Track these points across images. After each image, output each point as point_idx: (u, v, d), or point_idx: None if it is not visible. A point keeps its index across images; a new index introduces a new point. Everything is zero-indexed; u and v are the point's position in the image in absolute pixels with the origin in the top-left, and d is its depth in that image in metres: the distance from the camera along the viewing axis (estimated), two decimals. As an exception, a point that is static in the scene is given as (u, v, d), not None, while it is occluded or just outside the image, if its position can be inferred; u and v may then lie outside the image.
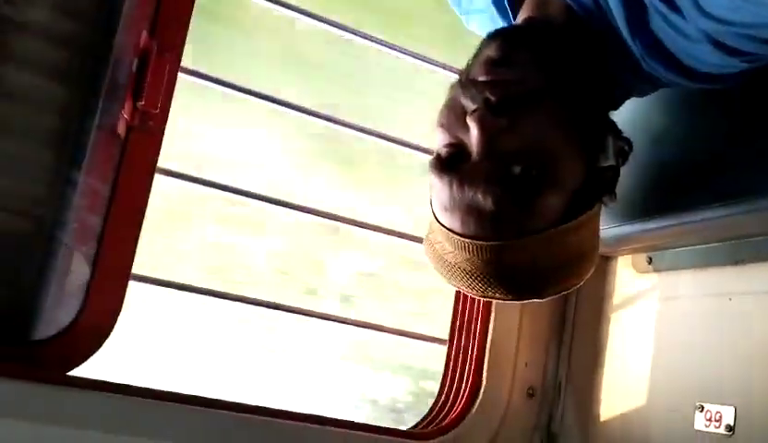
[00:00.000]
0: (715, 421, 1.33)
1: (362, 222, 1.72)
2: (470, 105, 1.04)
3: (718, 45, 1.06)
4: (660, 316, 1.51)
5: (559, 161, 1.06)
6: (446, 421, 1.57)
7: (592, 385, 1.62)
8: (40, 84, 1.38)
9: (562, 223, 1.07)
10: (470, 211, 1.04)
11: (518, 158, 1.03)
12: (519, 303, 1.63)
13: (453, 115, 1.08)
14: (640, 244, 1.55)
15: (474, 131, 1.03)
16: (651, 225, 1.40)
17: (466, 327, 1.65)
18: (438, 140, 1.10)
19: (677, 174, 1.37)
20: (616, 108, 1.28)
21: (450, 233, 1.07)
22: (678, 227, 1.38)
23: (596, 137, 1.14)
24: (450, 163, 1.07)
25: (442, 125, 1.10)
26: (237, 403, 1.43)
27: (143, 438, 1.31)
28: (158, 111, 1.38)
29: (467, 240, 1.05)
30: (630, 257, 1.61)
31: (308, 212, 1.64)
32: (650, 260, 1.56)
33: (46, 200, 1.37)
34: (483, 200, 1.03)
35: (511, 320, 1.65)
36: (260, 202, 1.60)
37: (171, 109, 1.45)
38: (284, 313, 1.60)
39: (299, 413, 1.48)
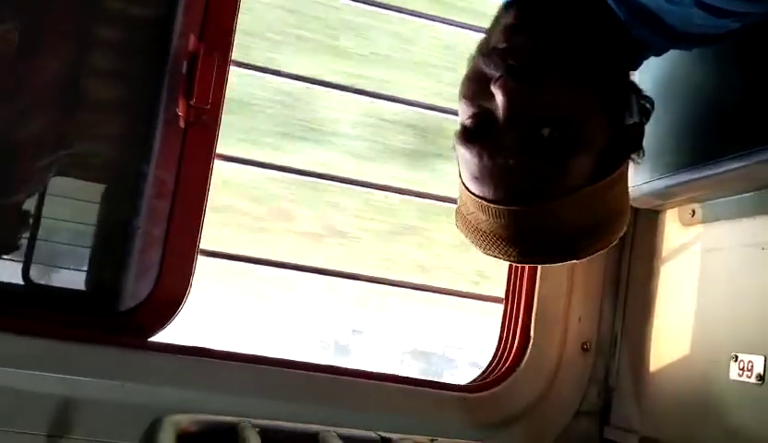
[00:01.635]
0: (747, 370, 1.33)
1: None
2: (493, 73, 1.05)
3: (705, 8, 1.06)
4: (702, 267, 1.50)
5: (586, 122, 1.07)
6: (497, 375, 1.65)
7: (644, 338, 1.64)
8: (111, 90, 1.58)
9: (594, 183, 1.08)
10: (502, 178, 1.06)
11: (545, 121, 1.04)
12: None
13: (476, 85, 1.09)
14: (684, 196, 1.54)
15: (499, 98, 1.04)
16: (692, 176, 1.40)
17: (519, 285, 1.71)
18: (462, 112, 1.12)
19: (714, 124, 1.36)
20: (634, 68, 1.29)
21: (483, 201, 1.09)
22: (718, 177, 1.37)
23: (619, 95, 1.14)
24: (477, 133, 1.08)
25: (465, 97, 1.11)
26: (301, 362, 1.59)
27: (214, 394, 1.50)
28: (209, 106, 1.54)
29: (501, 207, 1.07)
30: (676, 210, 1.60)
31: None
32: (693, 213, 1.55)
33: (122, 191, 1.58)
34: (514, 166, 1.04)
35: (560, 277, 1.69)
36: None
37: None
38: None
39: (360, 371, 1.61)
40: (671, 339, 1.57)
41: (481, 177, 1.07)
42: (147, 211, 1.58)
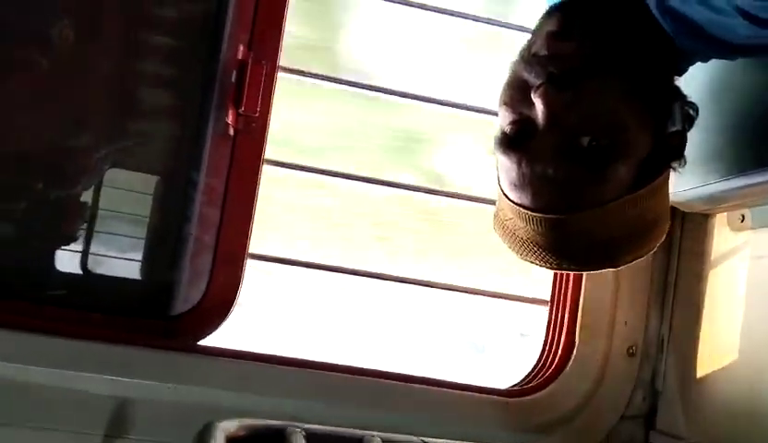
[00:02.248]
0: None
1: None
2: (534, 81, 1.05)
3: (750, 18, 1.04)
4: (750, 274, 1.48)
5: (626, 130, 1.07)
6: (540, 380, 1.66)
7: (691, 343, 1.63)
8: (163, 99, 1.63)
9: (633, 191, 1.07)
10: (540, 186, 1.06)
11: (584, 129, 1.04)
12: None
13: (517, 92, 1.09)
14: (734, 201, 1.52)
15: (539, 106, 1.04)
16: (743, 182, 1.38)
17: (564, 289, 1.71)
18: (502, 118, 1.12)
19: (765, 130, 1.35)
20: (680, 74, 1.28)
21: (521, 208, 1.09)
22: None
23: (662, 103, 1.13)
24: (517, 140, 1.08)
25: (506, 103, 1.11)
26: (345, 365, 1.62)
27: (261, 396, 1.54)
28: (257, 114, 1.57)
29: (539, 215, 1.07)
30: (725, 214, 1.58)
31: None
32: (742, 218, 1.53)
33: (174, 198, 1.62)
34: (553, 174, 1.04)
35: (606, 281, 1.68)
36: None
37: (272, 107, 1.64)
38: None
39: (403, 374, 1.64)
40: (719, 344, 1.55)
41: (519, 185, 1.08)
42: (198, 218, 1.62)
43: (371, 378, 1.61)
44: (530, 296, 1.82)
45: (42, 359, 1.50)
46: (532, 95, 1.04)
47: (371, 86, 1.82)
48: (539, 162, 1.05)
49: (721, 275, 1.59)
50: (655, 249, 1.18)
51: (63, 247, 1.65)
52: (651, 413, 1.71)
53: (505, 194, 1.12)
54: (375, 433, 1.39)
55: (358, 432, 1.40)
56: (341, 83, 1.76)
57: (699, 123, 1.51)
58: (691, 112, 1.19)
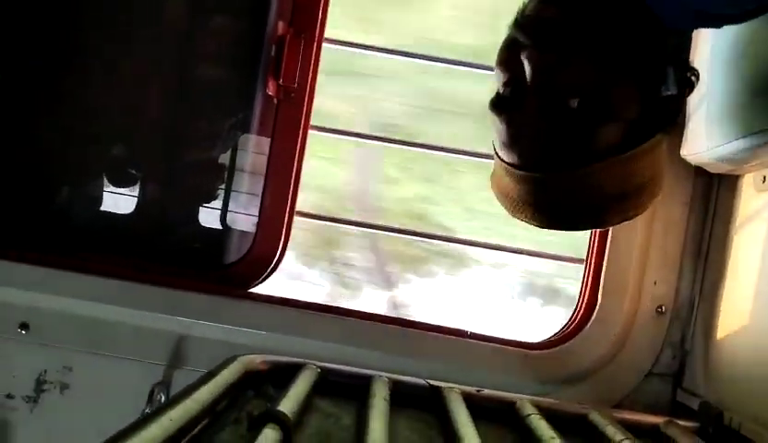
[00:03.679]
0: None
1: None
2: (524, 42, 1.10)
3: None
4: (768, 234, 1.46)
5: (613, 93, 1.09)
6: (563, 334, 1.71)
7: (717, 304, 1.61)
8: (218, 73, 1.82)
9: (620, 153, 1.10)
10: (528, 146, 1.12)
11: (572, 91, 1.07)
12: (640, 225, 1.69)
13: (511, 54, 1.13)
14: (756, 161, 1.49)
15: (527, 67, 1.09)
16: (762, 140, 1.37)
17: (593, 249, 1.74)
18: (497, 79, 1.16)
19: None
20: (683, 37, 1.27)
21: (511, 167, 1.15)
22: None
23: (653, 67, 1.13)
24: (509, 101, 1.13)
25: (500, 64, 1.15)
26: (373, 313, 1.76)
27: (297, 337, 1.72)
28: (296, 85, 1.72)
29: (526, 173, 1.12)
30: (752, 175, 1.55)
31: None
32: (764, 178, 1.49)
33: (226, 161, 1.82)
34: (540, 134, 1.09)
35: (631, 242, 1.69)
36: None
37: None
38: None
39: (432, 324, 1.75)
40: (740, 307, 1.54)
41: (509, 144, 1.13)
42: (248, 179, 1.81)
43: (398, 327, 1.74)
44: (568, 255, 1.86)
45: (118, 300, 1.76)
46: (521, 56, 1.09)
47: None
48: (527, 123, 1.10)
49: (746, 236, 1.56)
50: (646, 210, 1.19)
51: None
52: (679, 372, 1.72)
53: (497, 154, 1.18)
54: (383, 373, 1.52)
55: (370, 372, 1.53)
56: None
57: (721, 81, 1.51)
58: (692, 77, 1.18)
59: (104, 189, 1.92)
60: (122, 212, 1.90)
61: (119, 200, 1.90)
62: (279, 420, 1.08)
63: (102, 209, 1.92)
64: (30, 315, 1.74)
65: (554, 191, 1.12)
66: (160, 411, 1.04)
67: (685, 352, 1.72)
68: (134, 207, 1.88)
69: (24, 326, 1.74)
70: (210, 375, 1.34)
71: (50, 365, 1.75)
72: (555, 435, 1.26)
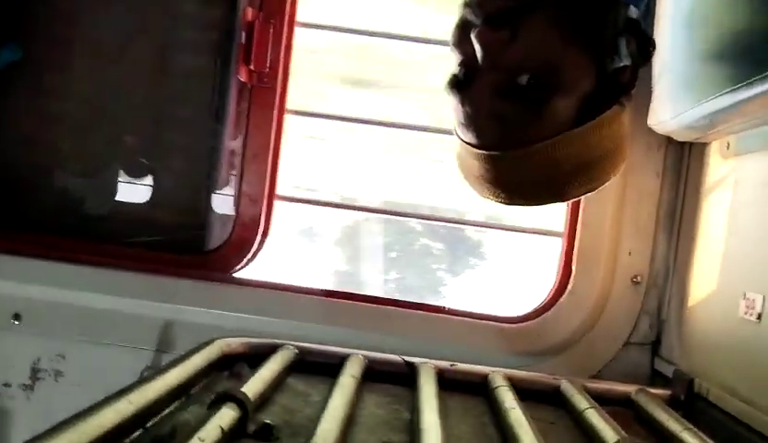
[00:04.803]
0: (751, 308, 1.32)
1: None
2: (473, 21, 1.10)
3: None
4: (735, 200, 1.46)
5: (565, 67, 1.09)
6: (538, 308, 1.73)
7: (689, 272, 1.63)
8: (192, 61, 1.85)
9: (575, 127, 1.10)
10: (483, 124, 1.12)
11: (522, 67, 1.07)
12: (612, 196, 1.70)
13: (462, 34, 1.12)
14: (718, 127, 1.48)
15: (477, 47, 1.09)
16: (723, 102, 1.35)
17: (568, 222, 1.75)
18: (453, 60, 1.16)
19: (744, 48, 1.33)
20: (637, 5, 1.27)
21: (468, 146, 1.16)
22: (744, 104, 1.33)
23: (604, 39, 1.12)
24: (463, 81, 1.13)
25: (454, 45, 1.15)
26: (356, 294, 1.79)
27: (280, 319, 1.76)
28: (267, 69, 1.75)
29: (483, 152, 1.13)
30: (718, 142, 1.55)
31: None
32: (728, 145, 1.50)
33: (205, 150, 1.85)
34: (493, 112, 1.10)
35: (602, 214, 1.70)
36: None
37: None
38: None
39: (410, 302, 1.79)
40: (710, 274, 1.55)
41: (465, 124, 1.13)
42: (226, 166, 1.84)
43: (374, 305, 1.78)
44: (545, 229, 1.87)
45: (108, 289, 1.82)
46: (471, 35, 1.09)
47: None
48: (480, 102, 1.11)
49: (713, 203, 1.57)
50: (607, 182, 1.19)
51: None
52: (657, 341, 1.73)
53: (457, 133, 1.19)
54: (359, 351, 1.55)
55: (346, 350, 1.56)
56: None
57: (679, 48, 1.51)
58: (648, 48, 1.17)
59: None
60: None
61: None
62: (237, 399, 1.12)
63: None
64: (23, 306, 1.81)
65: (512, 168, 1.13)
66: (120, 393, 1.08)
67: (662, 321, 1.73)
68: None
69: (17, 316, 1.80)
70: (183, 357, 1.39)
71: (44, 354, 1.81)
72: (516, 405, 1.29)
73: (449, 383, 1.49)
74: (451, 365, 1.56)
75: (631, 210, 1.72)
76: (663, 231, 1.73)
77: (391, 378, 1.53)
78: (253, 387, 1.25)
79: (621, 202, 1.71)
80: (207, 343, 1.50)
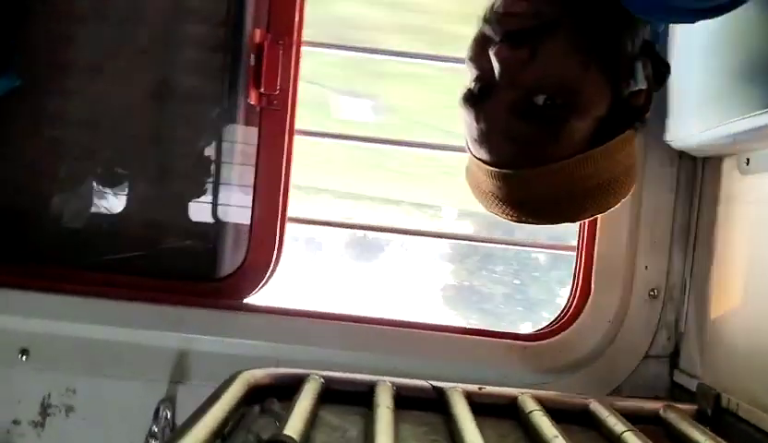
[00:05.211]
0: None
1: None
2: (492, 37, 1.10)
3: None
4: (755, 216, 1.48)
5: (582, 89, 1.09)
6: (559, 324, 1.73)
7: (708, 285, 1.64)
8: (196, 82, 1.81)
9: (589, 150, 1.10)
10: (497, 142, 1.12)
11: (539, 88, 1.07)
12: (628, 212, 1.71)
13: (480, 49, 1.12)
14: (739, 145, 1.50)
15: (495, 63, 1.09)
16: (746, 125, 1.37)
17: (583, 238, 1.76)
18: (468, 75, 1.16)
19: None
20: (655, 28, 1.27)
21: (481, 162, 1.16)
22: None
23: (621, 62, 1.13)
24: (478, 97, 1.13)
25: (471, 59, 1.15)
26: (371, 317, 1.78)
27: (297, 345, 1.73)
28: (278, 92, 1.72)
29: (495, 169, 1.13)
30: (735, 158, 1.57)
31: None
32: (747, 161, 1.51)
33: (212, 174, 1.82)
34: (508, 131, 1.10)
35: (619, 230, 1.71)
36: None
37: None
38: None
39: (424, 323, 1.78)
40: (731, 288, 1.56)
41: (479, 140, 1.13)
42: (236, 187, 1.81)
43: (395, 328, 1.76)
44: (559, 244, 1.88)
45: (117, 320, 1.77)
46: (489, 52, 1.08)
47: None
48: (495, 119, 1.10)
49: (733, 219, 1.58)
50: (616, 206, 1.18)
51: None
52: (675, 353, 1.75)
53: (469, 148, 1.19)
54: (387, 378, 1.54)
55: (373, 378, 1.55)
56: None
57: (702, 66, 1.52)
58: (663, 69, 1.18)
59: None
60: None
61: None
62: (287, 446, 1.10)
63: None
64: (30, 340, 1.75)
65: (524, 187, 1.13)
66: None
67: (679, 333, 1.75)
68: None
69: (24, 352, 1.74)
70: (216, 396, 1.36)
71: (53, 389, 1.76)
72: (557, 433, 1.29)
73: (478, 407, 1.49)
74: (480, 389, 1.55)
75: (647, 226, 1.73)
76: (678, 245, 1.74)
77: (420, 405, 1.52)
78: (294, 426, 1.22)
79: (637, 218, 1.72)
80: (232, 378, 1.47)
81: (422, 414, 1.48)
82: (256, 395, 1.49)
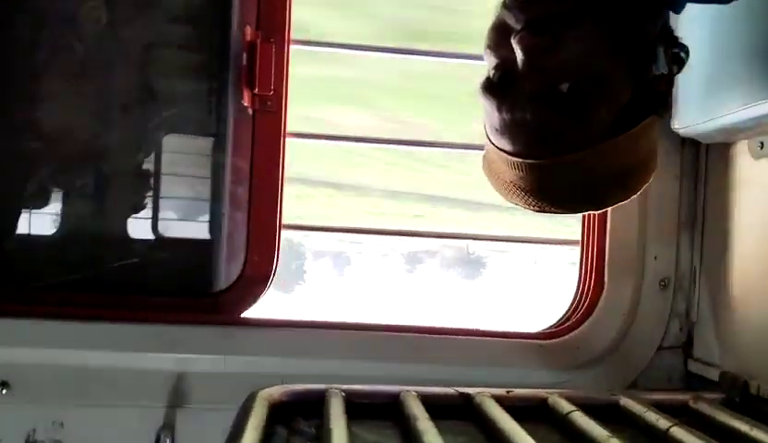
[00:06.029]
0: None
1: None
2: (514, 25, 1.06)
3: None
4: (769, 200, 1.48)
5: (605, 76, 1.06)
6: (574, 321, 1.70)
7: (722, 272, 1.63)
8: (184, 85, 1.70)
9: (612, 136, 1.07)
10: (519, 131, 1.08)
11: (563, 75, 1.05)
12: (636, 203, 1.69)
13: (500, 37, 1.09)
14: (753, 130, 1.50)
15: (518, 52, 1.05)
16: (761, 110, 1.37)
17: (591, 231, 1.73)
18: (487, 63, 1.12)
19: None
20: (677, 11, 1.25)
21: (502, 152, 1.12)
22: None
23: (644, 48, 1.10)
24: (499, 85, 1.09)
25: (490, 47, 1.12)
26: (380, 324, 1.71)
27: (304, 359, 1.64)
28: (272, 92, 1.63)
29: (518, 159, 1.09)
30: (746, 142, 1.56)
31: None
32: (761, 145, 1.51)
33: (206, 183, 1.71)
34: (531, 119, 1.06)
35: (630, 221, 1.69)
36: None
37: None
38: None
39: (435, 327, 1.71)
40: (749, 272, 1.56)
41: (500, 129, 1.09)
42: (229, 197, 1.70)
43: (408, 334, 1.69)
44: (562, 239, 1.85)
45: (106, 344, 1.64)
46: (511, 40, 1.05)
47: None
48: (518, 108, 1.06)
49: (746, 203, 1.58)
50: (639, 192, 1.17)
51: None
52: (688, 343, 1.74)
53: (489, 138, 1.14)
54: (411, 388, 1.46)
55: (395, 388, 1.47)
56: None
57: (715, 52, 1.50)
58: (681, 54, 1.15)
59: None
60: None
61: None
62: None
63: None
64: (10, 371, 1.60)
65: (548, 177, 1.09)
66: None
67: (691, 322, 1.74)
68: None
69: (4, 384, 1.59)
70: (242, 421, 1.26)
71: (38, 424, 1.61)
72: (609, 433, 1.24)
73: (509, 411, 1.43)
74: (508, 392, 1.49)
75: (654, 215, 1.72)
76: (686, 233, 1.74)
77: (447, 412, 1.45)
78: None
79: (644, 208, 1.70)
80: (250, 400, 1.37)
81: (453, 424, 1.41)
82: (275, 414, 1.40)
